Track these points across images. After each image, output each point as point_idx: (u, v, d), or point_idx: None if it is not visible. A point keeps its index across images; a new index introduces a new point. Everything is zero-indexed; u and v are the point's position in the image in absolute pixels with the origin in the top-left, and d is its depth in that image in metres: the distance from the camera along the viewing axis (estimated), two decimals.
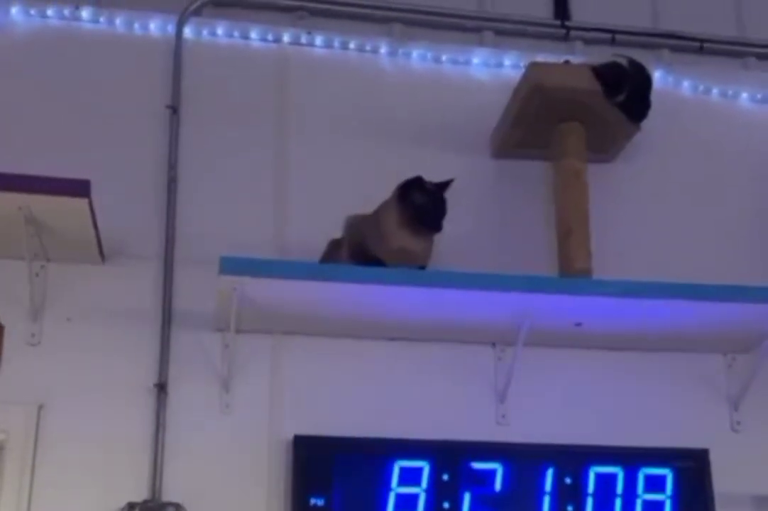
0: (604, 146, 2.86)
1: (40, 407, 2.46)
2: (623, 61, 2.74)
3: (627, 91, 2.71)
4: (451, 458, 2.55)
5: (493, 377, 2.68)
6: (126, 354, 2.55)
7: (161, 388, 2.52)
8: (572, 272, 2.64)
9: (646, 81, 2.77)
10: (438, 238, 2.59)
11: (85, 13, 2.84)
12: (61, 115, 2.74)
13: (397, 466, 2.51)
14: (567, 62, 2.79)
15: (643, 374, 2.73)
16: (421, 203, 2.49)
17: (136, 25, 2.86)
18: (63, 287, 2.58)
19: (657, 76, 2.98)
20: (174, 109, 2.78)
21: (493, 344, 2.70)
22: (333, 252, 2.59)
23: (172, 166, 2.73)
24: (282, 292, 2.46)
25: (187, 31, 2.89)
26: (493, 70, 2.99)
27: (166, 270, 2.64)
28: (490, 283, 2.49)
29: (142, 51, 2.85)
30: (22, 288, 2.52)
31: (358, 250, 2.51)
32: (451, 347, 2.67)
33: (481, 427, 2.62)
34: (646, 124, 2.83)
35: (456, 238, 2.67)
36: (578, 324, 2.62)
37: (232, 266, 2.40)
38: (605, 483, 2.60)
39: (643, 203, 2.93)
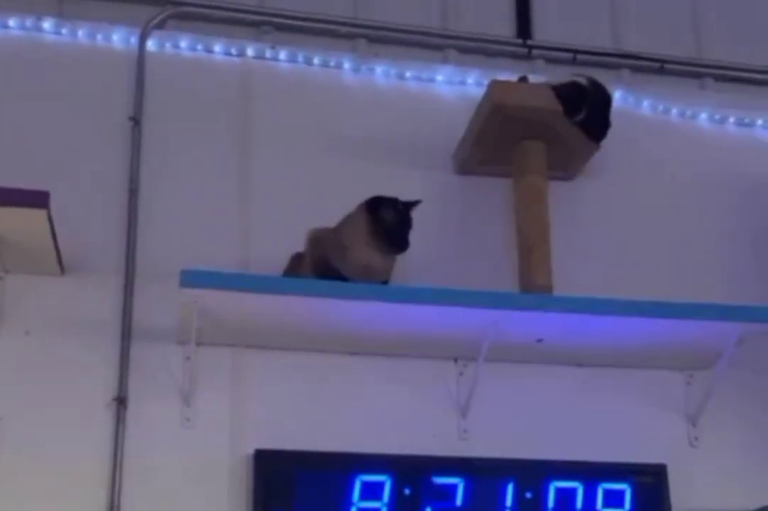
0: (565, 165, 2.89)
1: None
2: (583, 81, 2.78)
3: (587, 111, 2.74)
4: (412, 473, 2.54)
5: (455, 392, 2.68)
6: (85, 368, 2.52)
7: (120, 402, 2.49)
8: (533, 288, 2.65)
9: (605, 100, 2.80)
10: (400, 256, 2.61)
11: (47, 24, 2.81)
12: (22, 126, 2.71)
13: (359, 480, 2.50)
14: (524, 78, 2.81)
15: (603, 389, 2.75)
16: (391, 222, 2.49)
17: (99, 37, 2.84)
18: (21, 299, 2.55)
19: (617, 95, 3.02)
20: (136, 121, 2.76)
21: (455, 359, 2.70)
22: (295, 266, 2.58)
23: (134, 179, 2.71)
24: (243, 305, 2.45)
25: (151, 44, 2.87)
26: (457, 87, 3.01)
27: (127, 283, 2.61)
28: (452, 298, 2.50)
29: (104, 63, 2.83)
30: None
31: (320, 265, 2.51)
32: (413, 362, 2.67)
33: (442, 442, 2.62)
34: (605, 143, 2.85)
35: (419, 254, 2.65)
36: (539, 340, 2.63)
37: (193, 279, 2.38)
38: (565, 498, 2.61)
39: (603, 221, 2.95)
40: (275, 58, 2.94)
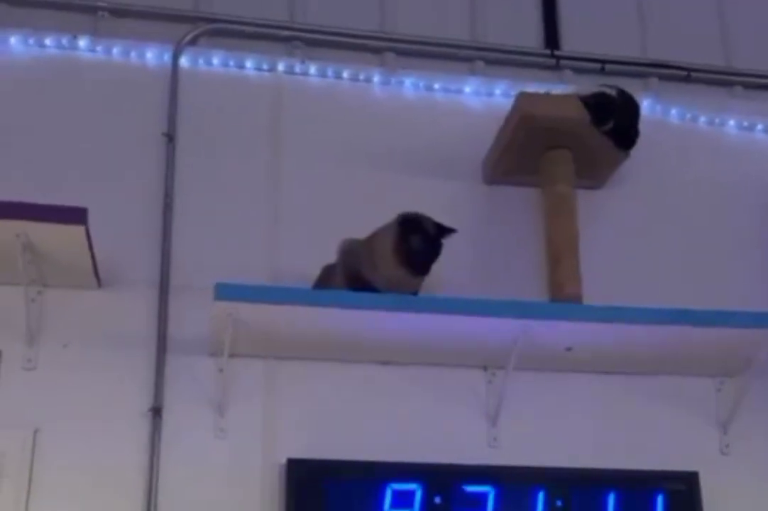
0: (593, 173, 2.91)
1: (36, 432, 2.49)
2: (611, 91, 2.80)
3: (615, 120, 2.77)
4: (443, 481, 2.57)
5: (484, 400, 2.71)
6: (121, 379, 2.58)
7: (156, 412, 2.55)
8: (562, 297, 2.68)
9: (634, 109, 2.82)
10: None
11: (83, 42, 2.88)
12: (58, 143, 2.78)
13: (390, 489, 2.54)
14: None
15: (633, 397, 2.77)
16: (417, 248, 2.50)
17: (133, 55, 2.91)
18: (59, 312, 2.61)
19: (645, 104, 3.04)
20: (170, 137, 2.82)
21: (485, 368, 2.73)
22: (327, 277, 2.62)
23: (168, 194, 2.77)
24: (276, 317, 2.50)
25: (184, 61, 2.93)
26: (485, 98, 3.05)
27: (161, 296, 2.67)
28: (482, 308, 2.53)
29: (138, 80, 2.90)
30: (19, 313, 2.55)
31: (352, 276, 2.55)
32: (442, 371, 2.70)
33: (473, 450, 2.65)
34: (634, 151, 2.88)
35: (449, 264, 2.68)
36: (568, 348, 2.66)
37: (227, 293, 2.43)
38: (596, 506, 2.63)
39: (631, 229, 2.97)
40: (305, 73, 2.99)
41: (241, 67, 2.96)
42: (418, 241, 2.50)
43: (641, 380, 2.77)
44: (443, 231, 2.52)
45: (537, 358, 2.67)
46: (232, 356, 2.59)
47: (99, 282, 2.64)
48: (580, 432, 2.71)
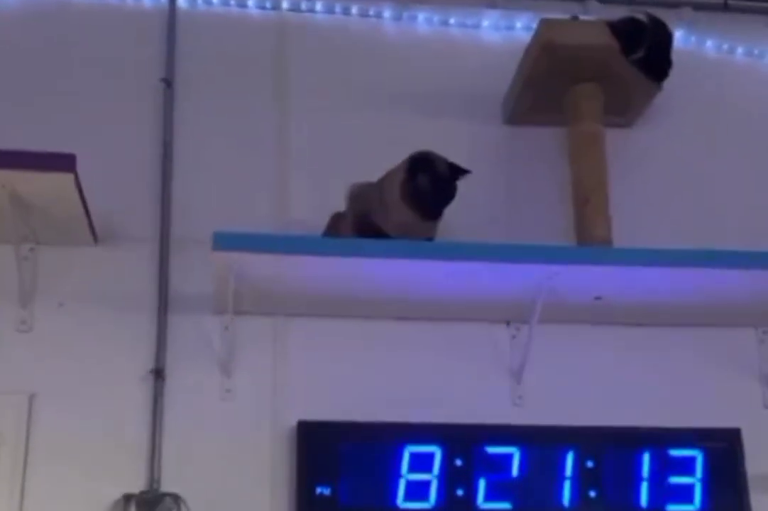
0: (623, 109, 2.70)
1: (32, 397, 2.35)
2: (641, 17, 2.58)
3: (646, 48, 2.54)
4: (464, 443, 2.40)
5: (507, 357, 2.53)
6: (121, 340, 2.43)
7: (158, 374, 2.40)
8: (590, 241, 2.48)
9: (666, 37, 2.60)
10: (447, 208, 2.46)
11: None
12: (51, 91, 2.62)
13: (407, 452, 2.38)
14: (575, 18, 2.63)
15: (669, 350, 2.58)
16: (427, 190, 2.30)
17: None
18: (54, 270, 2.46)
19: (678, 35, 2.81)
20: (168, 83, 2.65)
21: (508, 322, 2.55)
22: (336, 225, 2.45)
23: (167, 142, 2.60)
24: (281, 269, 2.32)
25: (181, 1, 2.76)
26: (504, 32, 2.84)
27: (162, 251, 2.52)
28: (504, 254, 2.33)
29: (134, 22, 2.73)
30: (11, 273, 2.40)
31: (362, 222, 2.37)
32: (462, 326, 2.53)
33: (495, 409, 2.48)
34: (667, 86, 2.67)
35: (467, 209, 2.50)
36: (598, 297, 2.46)
37: (227, 242, 2.25)
38: (630, 466, 2.45)
39: (665, 168, 2.77)
40: (311, 10, 2.80)
41: (243, 6, 2.78)
42: (427, 182, 2.30)
43: (677, 332, 2.57)
44: (457, 171, 2.33)
45: (564, 309, 2.48)
46: (238, 313, 2.44)
47: (95, 238, 2.49)
48: (611, 389, 2.53)
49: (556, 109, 2.64)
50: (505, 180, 2.70)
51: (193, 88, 2.68)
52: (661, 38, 2.58)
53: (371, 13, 2.81)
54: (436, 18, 2.83)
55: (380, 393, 2.46)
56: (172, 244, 2.53)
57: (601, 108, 2.60)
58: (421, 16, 2.82)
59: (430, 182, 2.30)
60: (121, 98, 2.64)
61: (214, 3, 2.77)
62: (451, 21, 2.83)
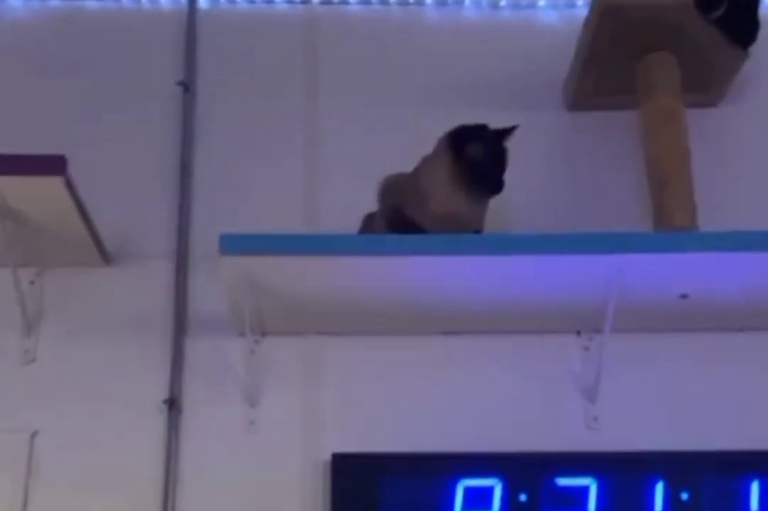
0: (705, 84, 2.32)
1: (34, 435, 2.09)
2: None
3: (727, 3, 2.18)
4: (529, 474, 2.03)
5: (579, 372, 2.16)
6: (133, 368, 2.15)
7: (172, 404, 2.11)
8: (671, 229, 2.11)
9: None
10: (503, 204, 2.13)
11: None
12: (64, 99, 2.40)
13: (461, 486, 2.01)
14: None
15: None
16: (479, 157, 1.99)
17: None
18: (61, 295, 2.21)
19: (766, 3, 2.44)
20: (186, 87, 2.40)
21: (578, 332, 2.18)
22: (369, 227, 2.13)
23: (185, 151, 2.35)
24: (306, 274, 2.01)
25: (202, 1, 2.54)
26: (564, 11, 2.52)
27: (179, 269, 2.25)
28: (566, 244, 1.97)
29: (151, 26, 2.50)
30: (13, 298, 2.15)
31: (395, 217, 2.04)
32: (523, 339, 2.16)
33: (566, 433, 2.11)
34: (756, 56, 2.30)
35: (527, 202, 2.23)
36: (684, 296, 2.07)
37: (237, 244, 1.96)
38: (734, 498, 2.02)
39: (757, 153, 2.37)
40: (345, 1, 2.53)
41: (270, 1, 2.54)
42: (477, 150, 1.99)
43: None
44: (503, 132, 2.02)
45: (643, 313, 2.10)
46: (264, 334, 2.16)
47: (106, 258, 2.24)
48: (704, 406, 2.12)
49: (625, 89, 2.29)
50: (571, 172, 2.35)
51: (215, 92, 2.42)
52: None
53: (411, 1, 2.53)
54: (484, 0, 2.53)
55: (428, 419, 2.11)
56: (191, 261, 2.26)
57: (678, 80, 2.23)
58: (468, 0, 2.53)
59: (481, 150, 1.99)
60: (136, 106, 2.40)
61: (238, 1, 2.53)
62: (502, 2, 2.52)
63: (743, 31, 2.24)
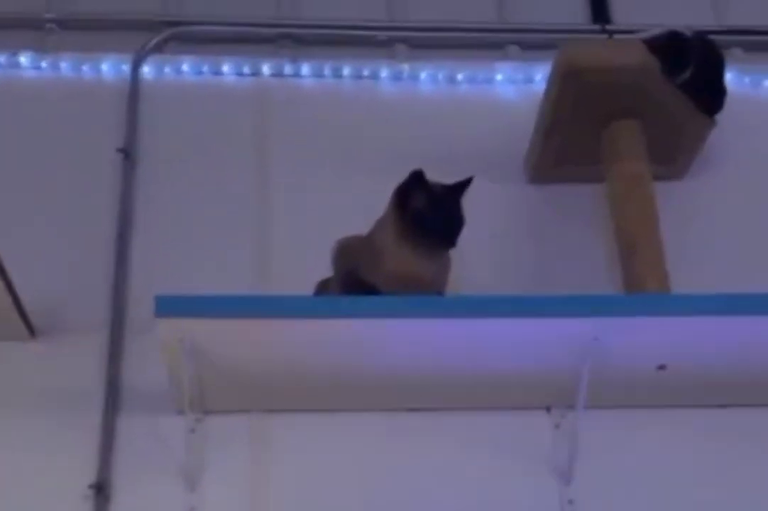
0: (670, 154, 2.23)
1: None
2: (683, 30, 2.16)
3: (693, 67, 2.11)
4: None
5: (551, 452, 1.98)
6: (60, 449, 1.93)
7: (99, 489, 1.88)
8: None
9: (716, 57, 2.18)
10: (466, 277, 2.00)
11: (24, 58, 2.38)
12: None
13: None
14: (610, 36, 2.21)
15: (758, 440, 2.00)
16: (423, 208, 1.84)
17: (85, 68, 2.40)
18: None
19: (730, 77, 2.35)
20: (126, 154, 2.27)
21: (548, 408, 2.01)
22: (321, 294, 1.96)
23: (123, 218, 2.19)
24: (249, 340, 1.83)
25: (147, 71, 2.41)
26: (522, 86, 2.44)
27: (113, 341, 2.05)
28: (539, 306, 1.83)
29: (92, 96, 2.38)
30: None
31: (348, 280, 1.89)
32: (490, 417, 1.98)
33: None
34: (720, 132, 2.24)
35: (493, 277, 2.11)
36: (661, 367, 1.92)
37: (174, 306, 1.79)
38: None
39: (725, 225, 2.28)
40: (297, 74, 2.43)
41: (218, 73, 2.42)
42: (421, 199, 1.85)
43: None
44: (456, 185, 1.87)
45: (619, 386, 1.94)
46: (207, 412, 1.96)
47: (31, 330, 2.05)
48: (687, 489, 1.95)
49: (588, 159, 2.20)
50: (536, 244, 2.23)
51: (159, 161, 2.29)
52: (710, 57, 2.16)
53: (365, 73, 2.43)
54: (441, 75, 2.43)
55: (388, 506, 1.91)
56: (127, 333, 2.07)
57: (644, 146, 2.15)
58: (424, 74, 2.44)
59: (427, 199, 1.84)
60: (74, 172, 2.27)
61: (185, 71, 2.42)
62: (459, 77, 2.43)
63: (710, 98, 2.17)
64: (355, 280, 1.87)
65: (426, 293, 1.85)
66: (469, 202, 2.11)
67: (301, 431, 1.97)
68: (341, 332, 1.83)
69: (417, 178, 1.86)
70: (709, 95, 2.17)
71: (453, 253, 1.93)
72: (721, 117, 2.23)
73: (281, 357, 1.87)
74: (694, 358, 1.91)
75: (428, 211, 1.84)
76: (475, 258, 2.13)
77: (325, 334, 1.83)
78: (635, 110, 2.14)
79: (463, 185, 1.88)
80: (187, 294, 1.81)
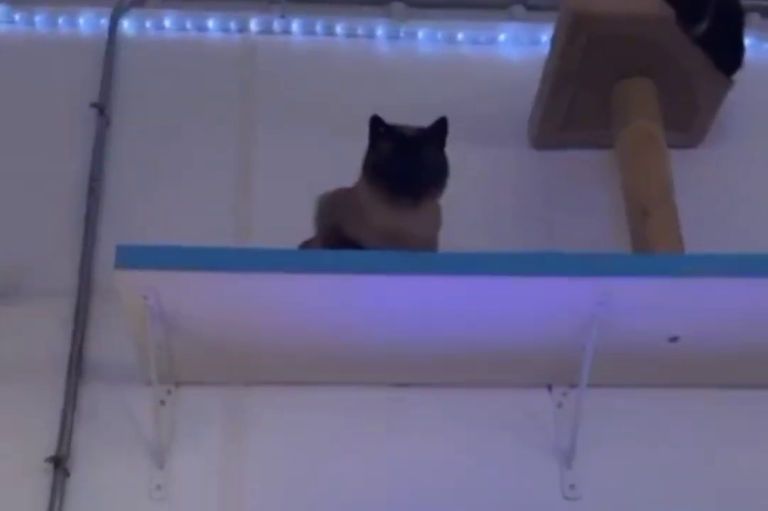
0: (686, 119, 2.08)
1: None
2: None
3: (711, 18, 1.96)
4: None
5: (552, 433, 1.82)
6: (17, 419, 1.78)
7: (57, 464, 1.72)
8: None
9: (735, 9, 2.03)
10: (465, 240, 1.85)
11: None
12: None
13: None
14: None
15: None
16: (384, 156, 1.66)
17: (61, 22, 2.25)
18: None
19: (748, 43, 2.22)
20: (101, 110, 2.11)
21: (549, 386, 1.86)
22: None
23: (94, 176, 2.03)
24: (222, 300, 1.66)
25: (127, 26, 2.26)
26: (526, 48, 2.29)
27: (80, 307, 1.90)
28: (533, 265, 1.65)
29: (69, 51, 2.22)
30: None
31: (331, 236, 1.72)
32: (485, 394, 1.82)
33: (541, 504, 1.76)
34: (738, 99, 2.09)
35: (492, 243, 1.94)
36: (673, 338, 1.75)
37: (137, 257, 1.61)
38: None
39: (742, 197, 2.13)
40: (286, 31, 2.28)
41: (202, 29, 2.27)
42: (388, 147, 1.66)
43: None
44: (426, 132, 1.68)
45: (626, 361, 1.78)
46: (179, 383, 1.81)
47: None
48: (695, 474, 1.79)
49: (595, 124, 2.05)
50: (540, 212, 2.07)
51: (135, 118, 2.14)
52: (729, 9, 2.01)
53: (360, 32, 2.28)
54: (440, 34, 2.28)
55: (372, 488, 1.75)
56: (93, 298, 1.92)
57: (656, 105, 1.99)
58: (422, 33, 2.29)
59: (392, 148, 1.66)
60: (44, 126, 2.12)
61: (167, 27, 2.27)
62: (459, 37, 2.28)
63: (728, 54, 2.03)
64: (338, 236, 1.71)
65: (415, 250, 1.69)
66: (470, 168, 2.02)
67: (278, 405, 1.81)
68: (323, 291, 1.66)
69: (376, 124, 1.68)
70: (727, 51, 2.02)
71: (450, 223, 1.78)
72: (738, 85, 2.08)
73: (258, 320, 1.70)
74: (710, 328, 1.74)
75: (386, 159, 1.66)
76: (474, 227, 2.00)
77: (306, 291, 1.66)
78: (647, 68, 1.99)
79: (434, 129, 1.69)
80: (153, 244, 1.65)
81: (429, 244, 1.71)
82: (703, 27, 1.97)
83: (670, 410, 1.84)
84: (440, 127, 1.69)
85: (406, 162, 1.66)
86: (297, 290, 1.65)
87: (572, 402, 1.80)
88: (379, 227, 1.67)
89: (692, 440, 1.83)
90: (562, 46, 1.97)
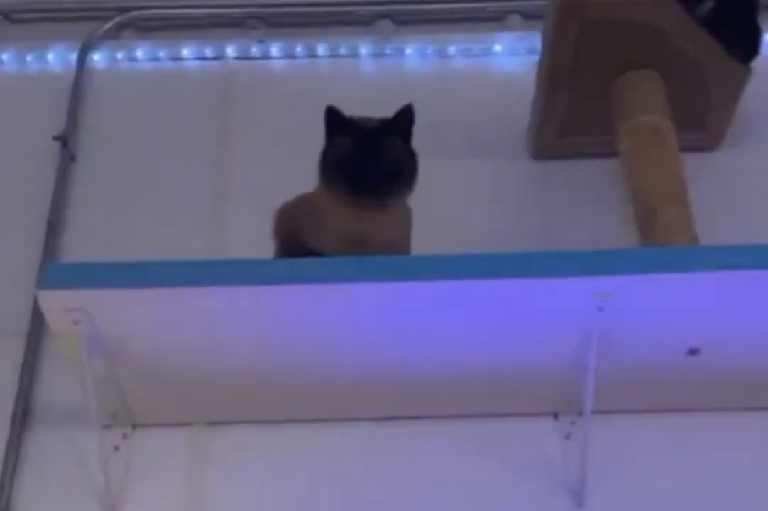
0: (698, 115, 1.86)
1: None
2: None
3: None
4: None
5: (561, 468, 1.59)
6: None
7: None
8: None
9: None
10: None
11: None
12: None
13: None
14: None
15: None
16: (340, 152, 1.48)
17: (30, 59, 2.15)
18: None
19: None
20: (64, 142, 1.98)
21: (555, 415, 1.63)
22: None
23: (54, 211, 1.89)
24: (168, 321, 1.46)
25: (98, 59, 2.14)
26: (523, 58, 2.10)
27: (28, 348, 1.73)
28: (525, 265, 1.43)
29: (37, 87, 2.12)
30: None
31: (287, 244, 1.53)
32: (481, 426, 1.60)
33: None
34: (759, 99, 1.89)
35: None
36: (693, 351, 1.51)
37: (65, 275, 1.42)
38: None
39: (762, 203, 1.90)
40: (266, 56, 2.14)
41: (176, 58, 2.14)
42: (347, 142, 1.47)
43: None
44: (392, 122, 1.49)
45: (638, 380, 1.54)
46: (136, 426, 1.61)
47: None
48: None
49: (596, 130, 1.84)
50: (540, 223, 1.87)
51: (102, 152, 2.00)
52: None
53: (342, 51, 2.13)
54: (429, 49, 2.12)
55: None
56: (47, 337, 1.73)
57: (663, 96, 1.78)
58: (410, 50, 2.12)
59: (351, 144, 1.47)
60: (8, 164, 1.99)
61: (139, 58, 2.14)
62: (451, 50, 2.12)
63: (741, 39, 1.80)
64: (293, 242, 1.52)
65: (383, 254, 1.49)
66: (472, 182, 1.92)
67: (245, 446, 1.60)
68: (279, 301, 1.44)
69: (332, 116, 1.49)
70: (739, 34, 1.79)
71: (453, 236, 1.72)
72: (760, 77, 1.87)
73: (212, 343, 1.49)
74: (736, 337, 1.48)
75: (345, 156, 1.47)
76: (474, 240, 1.82)
77: (258, 304, 1.44)
78: (649, 59, 1.78)
79: (398, 120, 1.50)
80: (85, 261, 1.47)
81: (397, 248, 1.51)
82: (708, 5, 1.75)
83: (691, 437, 1.59)
84: (405, 116, 1.50)
85: (367, 158, 1.47)
86: (250, 303, 1.45)
87: (581, 430, 1.56)
88: (340, 232, 1.48)
89: (720, 473, 1.57)
90: (551, 39, 1.77)
